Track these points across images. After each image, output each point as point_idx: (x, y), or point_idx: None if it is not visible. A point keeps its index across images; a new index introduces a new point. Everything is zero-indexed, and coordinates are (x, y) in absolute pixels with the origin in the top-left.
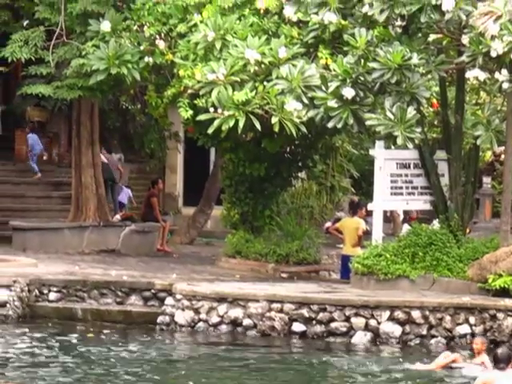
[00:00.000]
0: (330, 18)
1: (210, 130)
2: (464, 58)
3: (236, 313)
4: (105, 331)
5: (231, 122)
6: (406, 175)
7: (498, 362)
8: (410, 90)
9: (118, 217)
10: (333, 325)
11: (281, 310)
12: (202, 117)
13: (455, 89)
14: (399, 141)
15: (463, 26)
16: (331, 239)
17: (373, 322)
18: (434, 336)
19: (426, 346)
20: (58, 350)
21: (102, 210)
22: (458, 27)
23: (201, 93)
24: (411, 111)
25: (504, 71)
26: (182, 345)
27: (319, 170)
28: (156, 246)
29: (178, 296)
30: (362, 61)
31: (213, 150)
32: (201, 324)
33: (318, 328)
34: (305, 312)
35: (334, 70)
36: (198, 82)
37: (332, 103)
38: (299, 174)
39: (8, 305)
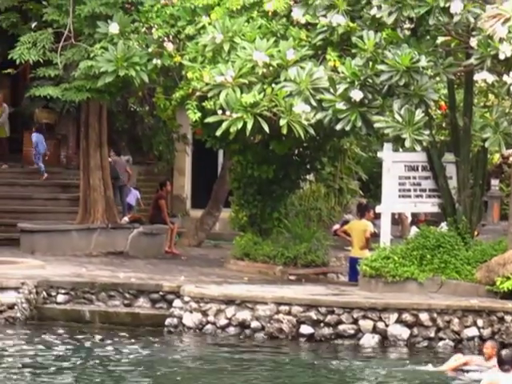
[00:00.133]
0: (339, 20)
1: (219, 132)
2: (472, 60)
3: (244, 315)
4: (112, 333)
5: (239, 124)
6: (414, 177)
7: (503, 364)
8: (419, 92)
9: (126, 219)
10: (341, 327)
11: (289, 313)
12: (210, 119)
13: (463, 91)
14: (407, 143)
15: (471, 29)
16: (339, 241)
17: (381, 325)
18: (441, 338)
19: (434, 348)
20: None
21: (110, 212)
22: (467, 30)
23: (209, 95)
24: (419, 114)
25: None
26: (189, 347)
27: (327, 172)
28: (164, 248)
29: (186, 298)
30: (371, 63)
31: (221, 152)
32: (209, 326)
33: (326, 330)
34: (313, 314)
35: (343, 73)
36: (207, 84)
37: (340, 105)
38: (307, 177)
39: (16, 307)
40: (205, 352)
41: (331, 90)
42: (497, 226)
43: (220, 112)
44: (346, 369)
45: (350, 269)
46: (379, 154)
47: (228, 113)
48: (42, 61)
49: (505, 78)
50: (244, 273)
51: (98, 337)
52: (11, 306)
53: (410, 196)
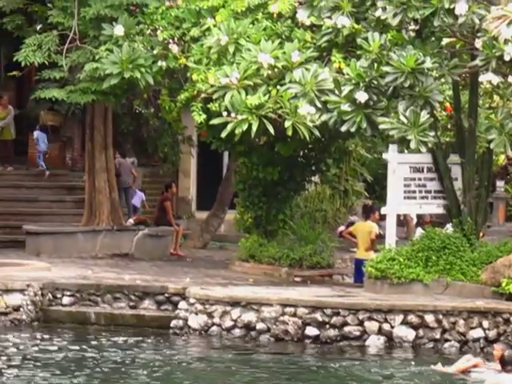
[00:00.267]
0: (343, 21)
1: (224, 134)
2: (477, 61)
3: (249, 317)
4: (118, 335)
5: (244, 126)
6: (420, 179)
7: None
8: (424, 93)
9: (131, 221)
10: (346, 329)
11: (294, 314)
12: (215, 121)
13: (468, 92)
14: (412, 145)
15: (476, 30)
16: (344, 243)
17: (386, 326)
18: (447, 340)
19: (440, 350)
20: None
21: (116, 214)
22: (472, 31)
23: (214, 97)
24: (424, 115)
25: None
26: (195, 349)
27: (332, 173)
28: (169, 250)
29: (192, 300)
30: (376, 65)
31: (226, 154)
32: (214, 328)
33: (332, 332)
34: (318, 316)
35: (348, 74)
36: (212, 86)
37: (345, 107)
38: (312, 178)
39: (21, 309)
40: (210, 354)
41: (336, 92)
42: (502, 227)
43: (225, 114)
44: (350, 370)
45: (355, 270)
46: (384, 156)
47: (233, 115)
48: (47, 63)
49: (510, 79)
50: (249, 274)
51: (103, 339)
52: (17, 308)
53: (415, 197)
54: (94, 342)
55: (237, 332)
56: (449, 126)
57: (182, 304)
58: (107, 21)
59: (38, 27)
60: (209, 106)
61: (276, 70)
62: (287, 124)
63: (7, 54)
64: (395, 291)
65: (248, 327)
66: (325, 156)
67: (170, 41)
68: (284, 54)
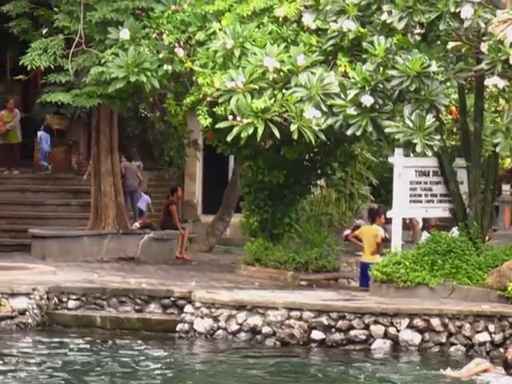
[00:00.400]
0: (349, 25)
1: (229, 138)
2: (483, 65)
3: (255, 320)
4: (123, 339)
5: (250, 130)
6: (425, 183)
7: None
8: (429, 97)
9: (136, 224)
10: (352, 333)
11: (300, 318)
12: (220, 124)
13: (474, 96)
14: (418, 148)
15: (482, 34)
16: (350, 247)
17: (392, 330)
18: (453, 344)
19: (446, 353)
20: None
21: (121, 217)
22: (477, 35)
23: (220, 100)
24: (430, 119)
25: None
26: (200, 352)
27: (338, 177)
28: (175, 254)
29: (197, 304)
30: (381, 68)
31: (232, 158)
32: (220, 332)
33: (337, 336)
34: (324, 320)
35: (353, 78)
36: (217, 89)
37: (351, 111)
38: (318, 182)
39: (27, 313)
40: (216, 357)
41: (342, 96)
42: (508, 230)
43: (231, 117)
44: (356, 374)
45: (361, 274)
46: (390, 159)
47: (239, 118)
48: (53, 67)
49: None
50: (255, 278)
51: (109, 343)
52: (22, 312)
53: (421, 201)
54: (99, 346)
55: (242, 336)
56: (454, 130)
57: (188, 308)
58: (113, 25)
59: (44, 31)
60: (214, 109)
61: (282, 73)
62: (293, 128)
63: (13, 58)
64: (401, 295)
65: (254, 331)
66: (330, 159)
67: (176, 44)
68: (290, 57)
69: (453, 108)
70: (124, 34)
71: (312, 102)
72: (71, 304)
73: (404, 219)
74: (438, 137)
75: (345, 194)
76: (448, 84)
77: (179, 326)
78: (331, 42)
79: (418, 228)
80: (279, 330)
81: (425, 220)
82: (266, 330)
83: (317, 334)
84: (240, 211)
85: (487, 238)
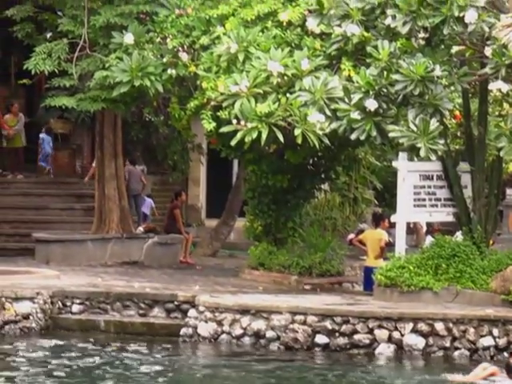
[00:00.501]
0: (353, 30)
1: (233, 142)
2: (487, 69)
3: (259, 325)
4: (127, 343)
5: (254, 134)
6: (429, 187)
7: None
8: (433, 101)
9: (140, 229)
10: (356, 337)
11: (304, 322)
12: (224, 129)
13: (478, 100)
14: (422, 152)
15: (486, 38)
16: (354, 251)
17: (396, 334)
18: (457, 348)
19: (450, 358)
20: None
21: (125, 221)
22: (481, 39)
23: (224, 105)
24: (434, 123)
25: None
26: (204, 357)
27: (342, 181)
28: (179, 258)
29: (201, 308)
30: (385, 73)
31: (236, 162)
32: (224, 336)
33: (341, 340)
34: (328, 324)
35: (357, 82)
36: (221, 93)
37: (355, 115)
38: (322, 186)
39: (31, 317)
40: (219, 361)
41: (346, 100)
42: None
43: (235, 122)
44: (360, 379)
45: (364, 278)
46: (394, 164)
47: (243, 122)
48: (57, 71)
49: None
50: (259, 282)
51: (113, 347)
52: (26, 316)
53: (425, 205)
54: (103, 350)
55: (246, 340)
56: (458, 134)
57: (192, 312)
58: (117, 29)
59: (48, 35)
60: (218, 113)
61: (286, 77)
62: (297, 132)
63: (17, 62)
64: (405, 299)
65: (258, 335)
66: (334, 164)
67: (180, 49)
68: (294, 62)
69: (457, 112)
70: (128, 38)
71: (316, 107)
72: (75, 308)
73: (408, 223)
74: (442, 141)
75: (349, 199)
76: (452, 88)
77: (183, 331)
78: (335, 47)
79: (421, 232)
80: (283, 335)
81: (428, 224)
82: (269, 334)
83: (321, 339)
84: (244, 215)
85: (491, 243)
